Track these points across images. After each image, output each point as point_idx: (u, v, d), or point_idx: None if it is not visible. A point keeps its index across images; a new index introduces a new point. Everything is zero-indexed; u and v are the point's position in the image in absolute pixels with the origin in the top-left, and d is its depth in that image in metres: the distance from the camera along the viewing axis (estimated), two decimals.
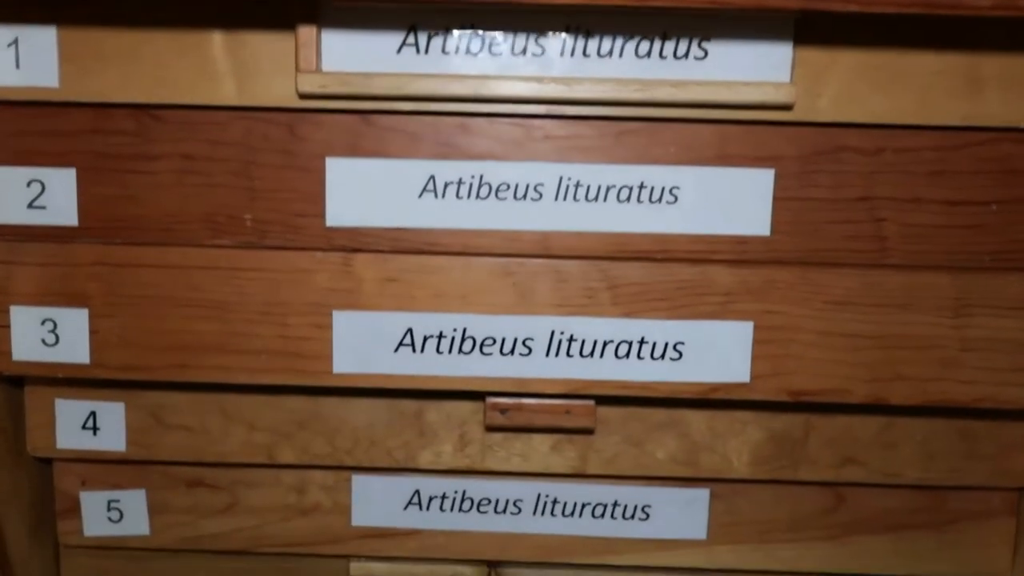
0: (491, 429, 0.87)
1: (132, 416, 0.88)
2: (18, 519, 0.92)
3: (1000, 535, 0.93)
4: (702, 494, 0.92)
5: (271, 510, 0.93)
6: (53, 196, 0.78)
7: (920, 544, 0.94)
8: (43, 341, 0.80)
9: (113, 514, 0.93)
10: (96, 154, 0.78)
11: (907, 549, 0.94)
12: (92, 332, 0.80)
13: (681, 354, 0.80)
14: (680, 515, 0.93)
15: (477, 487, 0.92)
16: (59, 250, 0.79)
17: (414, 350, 0.80)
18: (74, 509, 0.93)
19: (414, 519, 0.93)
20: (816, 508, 0.93)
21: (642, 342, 0.79)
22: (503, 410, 0.83)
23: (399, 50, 0.75)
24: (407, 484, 0.92)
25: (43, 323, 0.80)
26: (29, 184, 0.78)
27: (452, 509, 0.93)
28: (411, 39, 0.75)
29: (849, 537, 0.93)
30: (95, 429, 0.88)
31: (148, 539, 0.94)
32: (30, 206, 0.78)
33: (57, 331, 0.80)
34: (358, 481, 0.92)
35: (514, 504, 0.92)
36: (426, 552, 0.94)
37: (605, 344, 0.80)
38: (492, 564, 0.95)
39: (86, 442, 0.88)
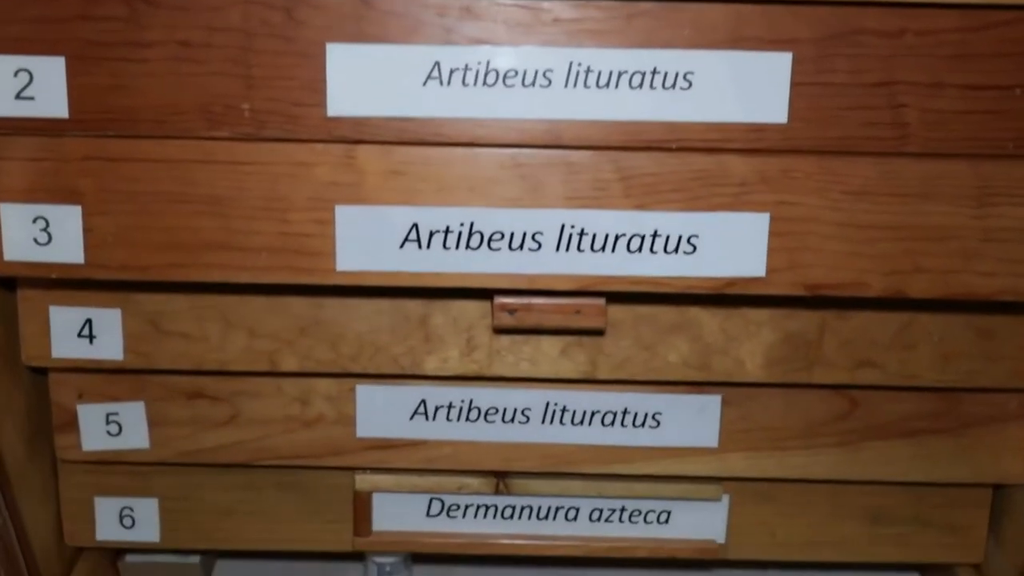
0: (499, 331, 0.85)
1: (129, 323, 0.85)
2: (14, 432, 0.89)
3: (1017, 439, 0.92)
4: (714, 401, 0.91)
5: (274, 422, 0.91)
6: (41, 86, 0.75)
7: (935, 449, 0.92)
8: (35, 240, 0.77)
9: (112, 427, 0.91)
10: (86, 42, 0.74)
11: (922, 455, 0.92)
12: (86, 230, 0.77)
13: (695, 247, 0.77)
14: (691, 422, 0.91)
15: (484, 396, 0.90)
16: (49, 144, 0.75)
17: (420, 246, 0.77)
18: (71, 423, 0.91)
19: (420, 429, 0.91)
20: (830, 414, 0.91)
21: (655, 235, 0.77)
22: (511, 310, 0.81)
23: None
24: (413, 394, 0.90)
25: (34, 221, 0.77)
26: (16, 74, 0.75)
27: (459, 419, 0.91)
28: None
29: (863, 443, 0.92)
30: (91, 337, 0.86)
31: (148, 453, 0.92)
32: (17, 97, 0.75)
33: (49, 230, 0.77)
34: (362, 391, 0.90)
35: (522, 413, 0.91)
36: (432, 463, 0.92)
37: (617, 238, 0.77)
38: (500, 475, 0.93)
39: (82, 351, 0.86)
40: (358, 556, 1.06)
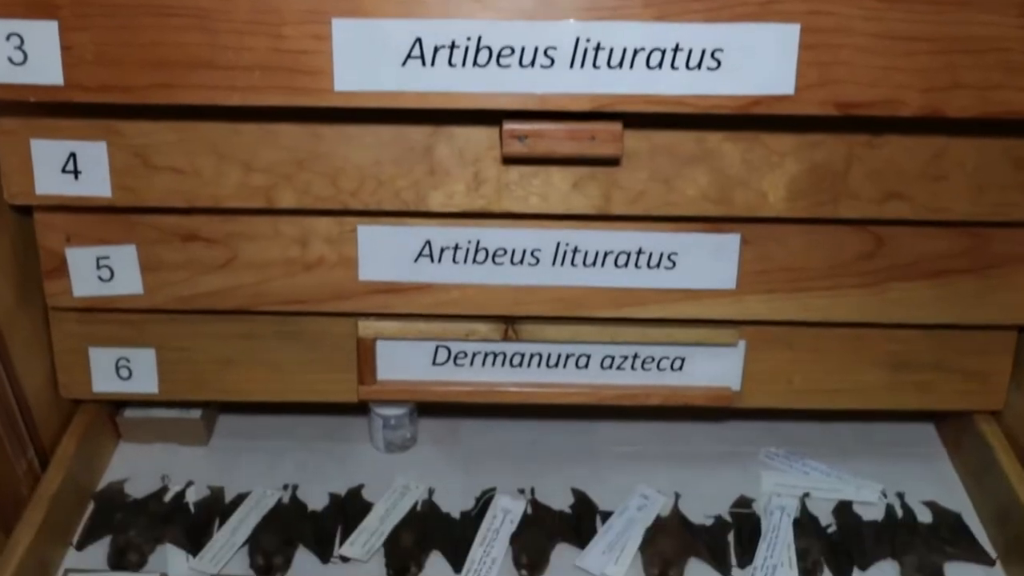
0: (508, 161, 0.80)
1: (116, 157, 0.81)
2: (1, 278, 0.85)
3: None
4: (732, 240, 0.87)
5: (272, 265, 0.87)
6: None
7: (961, 290, 0.89)
8: (10, 60, 0.72)
9: (103, 272, 0.87)
10: None
11: (948, 296, 0.89)
12: (64, 48, 0.72)
13: (719, 63, 0.72)
14: (708, 262, 0.87)
15: (492, 236, 0.86)
16: None
17: (424, 63, 0.72)
18: (61, 268, 0.87)
19: (425, 272, 0.87)
20: (854, 253, 0.87)
21: (676, 49, 0.72)
22: (522, 136, 0.76)
23: None
24: (417, 234, 0.86)
25: (8, 38, 0.71)
26: None
27: (465, 260, 0.87)
28: None
29: (887, 284, 0.88)
30: (76, 172, 0.81)
31: (142, 299, 0.88)
32: None
33: (24, 47, 0.72)
34: (364, 232, 0.86)
35: (532, 254, 0.87)
36: (438, 308, 0.89)
37: (636, 52, 0.72)
38: (508, 320, 0.90)
39: (67, 187, 0.81)
40: (362, 410, 1.04)
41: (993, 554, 0.93)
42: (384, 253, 0.86)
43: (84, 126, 0.80)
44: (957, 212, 0.83)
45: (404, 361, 0.93)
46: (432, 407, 1.07)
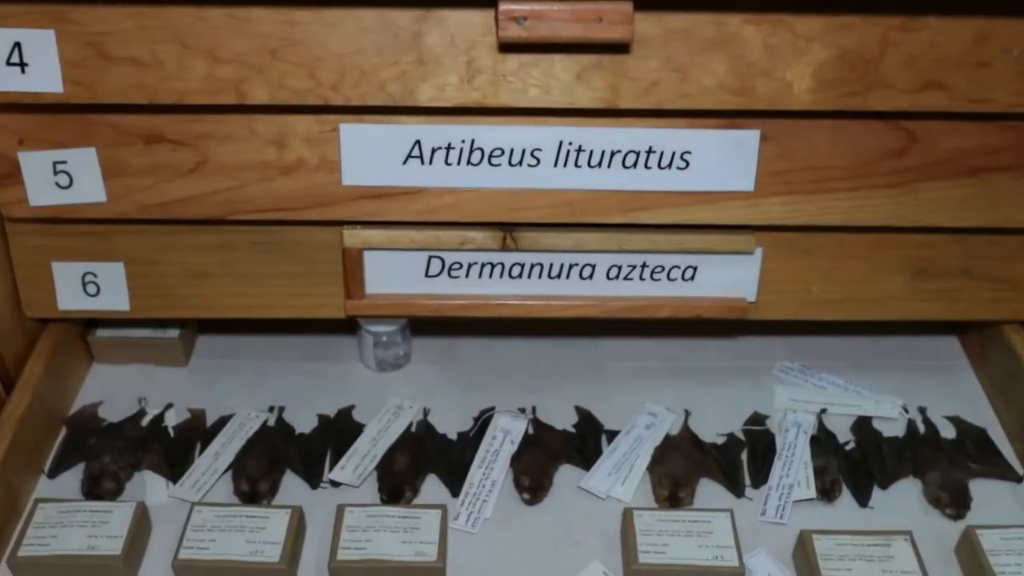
0: (505, 48, 0.72)
1: (66, 47, 0.72)
2: None
3: None
4: (751, 136, 0.79)
5: (247, 169, 0.79)
6: None
7: (997, 190, 0.81)
8: None
9: (61, 178, 0.79)
10: None
11: (981, 196, 0.82)
12: None
13: None
14: (724, 162, 0.80)
15: (488, 134, 0.78)
16: None
17: None
18: (14, 174, 0.79)
19: (415, 175, 0.80)
20: (883, 149, 0.80)
21: None
22: (520, 18, 0.68)
23: None
24: (405, 133, 0.78)
25: None
26: None
27: (459, 162, 0.79)
28: None
29: (918, 184, 0.81)
30: (23, 65, 0.72)
31: (105, 207, 0.81)
32: None
33: None
34: (347, 130, 0.78)
35: (531, 154, 0.79)
36: (430, 215, 0.82)
37: None
38: (506, 227, 0.83)
39: (14, 82, 0.73)
40: (351, 328, 0.98)
41: (1020, 470, 0.88)
42: (369, 154, 0.79)
43: (29, 12, 0.71)
44: (1000, 103, 0.75)
45: (394, 273, 0.86)
46: (426, 323, 1.01)
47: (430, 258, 0.85)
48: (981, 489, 0.86)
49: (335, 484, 0.86)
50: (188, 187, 0.80)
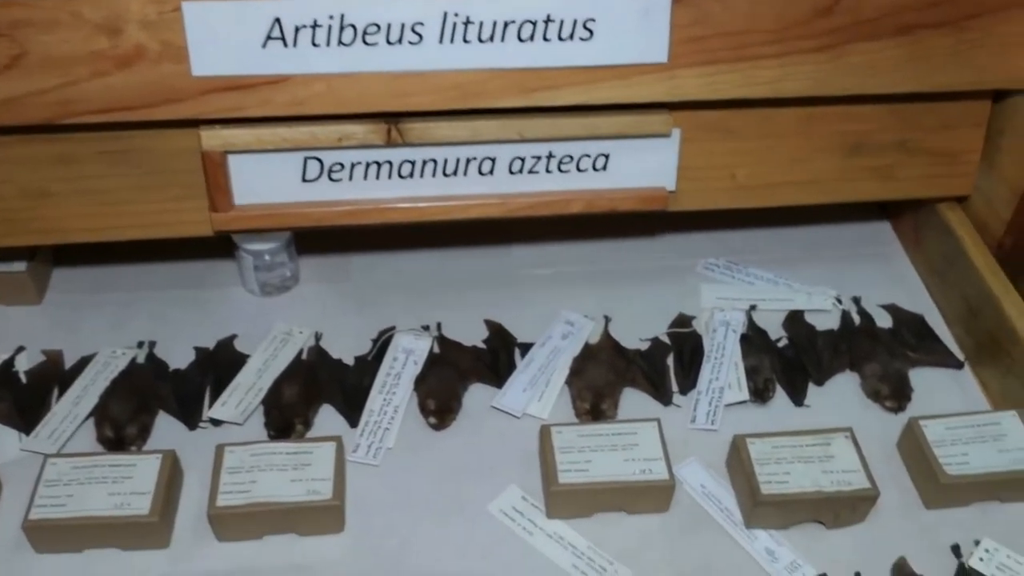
0: None
1: None
2: None
3: None
4: (661, 2, 0.69)
5: (76, 62, 0.67)
6: None
7: (932, 49, 0.73)
8: None
9: None
10: None
11: (916, 57, 0.74)
12: None
13: None
14: (634, 30, 0.70)
15: (360, 8, 0.67)
16: None
17: None
18: None
19: (278, 60, 0.68)
20: (808, 7, 0.71)
21: None
22: None
23: None
24: (261, 10, 0.66)
25: None
26: None
27: (328, 42, 0.68)
28: None
29: (847, 46, 0.73)
30: None
31: None
32: None
33: None
34: (191, 10, 0.66)
35: (412, 30, 0.68)
36: (301, 108, 0.70)
37: None
38: (391, 118, 0.72)
39: None
40: (229, 250, 0.87)
41: (961, 356, 0.83)
42: (221, 38, 0.67)
43: None
44: None
45: (266, 179, 0.75)
46: (313, 238, 0.90)
47: (306, 159, 0.74)
48: (922, 379, 0.81)
49: (216, 423, 0.76)
50: (7, 87, 0.67)
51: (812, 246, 0.94)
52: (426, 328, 0.84)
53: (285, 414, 0.75)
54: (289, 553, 0.68)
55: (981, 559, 0.67)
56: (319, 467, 0.69)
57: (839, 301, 0.87)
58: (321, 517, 0.68)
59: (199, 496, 0.70)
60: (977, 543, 0.69)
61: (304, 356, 0.82)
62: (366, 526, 0.70)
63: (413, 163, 0.75)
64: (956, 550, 0.69)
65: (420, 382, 0.79)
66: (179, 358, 0.81)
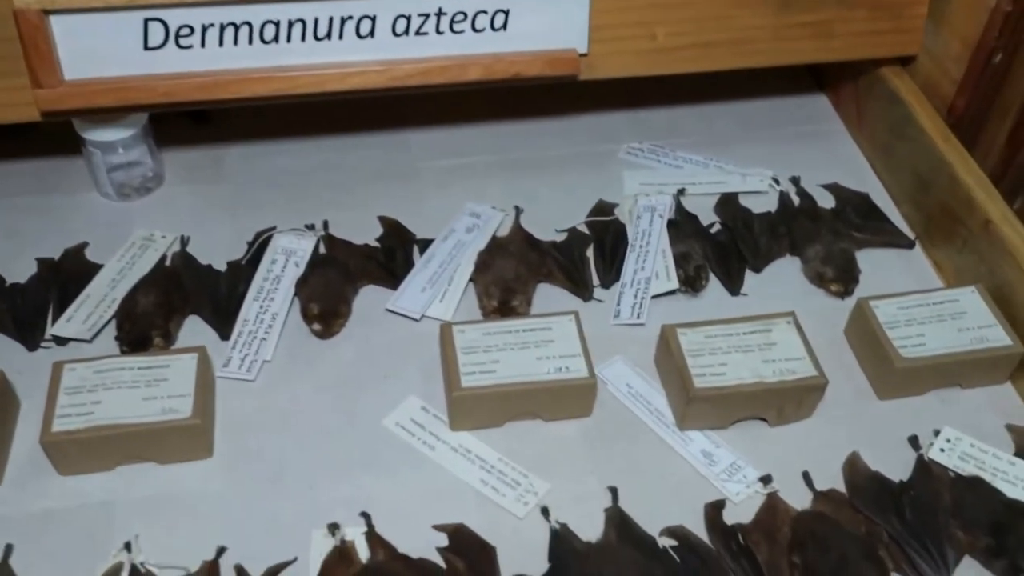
0: None
1: None
2: None
3: None
4: None
5: None
6: None
7: None
8: None
9: None
10: None
11: None
12: None
13: None
14: None
15: None
16: None
17: None
18: None
19: None
20: None
21: None
22: None
23: None
24: None
25: None
26: None
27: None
28: None
29: None
30: None
31: None
32: None
33: None
34: None
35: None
36: None
37: None
38: None
39: None
40: (78, 147, 0.74)
41: (911, 234, 0.75)
42: None
43: None
44: None
45: (101, 47, 0.62)
46: (179, 131, 0.79)
47: (147, 21, 0.62)
48: (869, 261, 0.72)
49: (61, 341, 0.65)
50: None
51: (744, 125, 0.85)
52: (311, 227, 0.73)
53: (140, 325, 0.64)
54: (146, 484, 0.58)
55: (942, 450, 0.60)
56: (177, 383, 0.58)
57: (776, 182, 0.78)
58: (182, 441, 0.58)
59: (38, 425, 0.59)
60: (937, 433, 0.61)
61: (168, 263, 0.70)
62: (239, 450, 0.60)
63: (277, 24, 0.64)
64: (914, 441, 0.61)
65: (302, 285, 0.68)
66: (18, 271, 0.69)
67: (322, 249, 0.72)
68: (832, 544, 0.54)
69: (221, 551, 0.54)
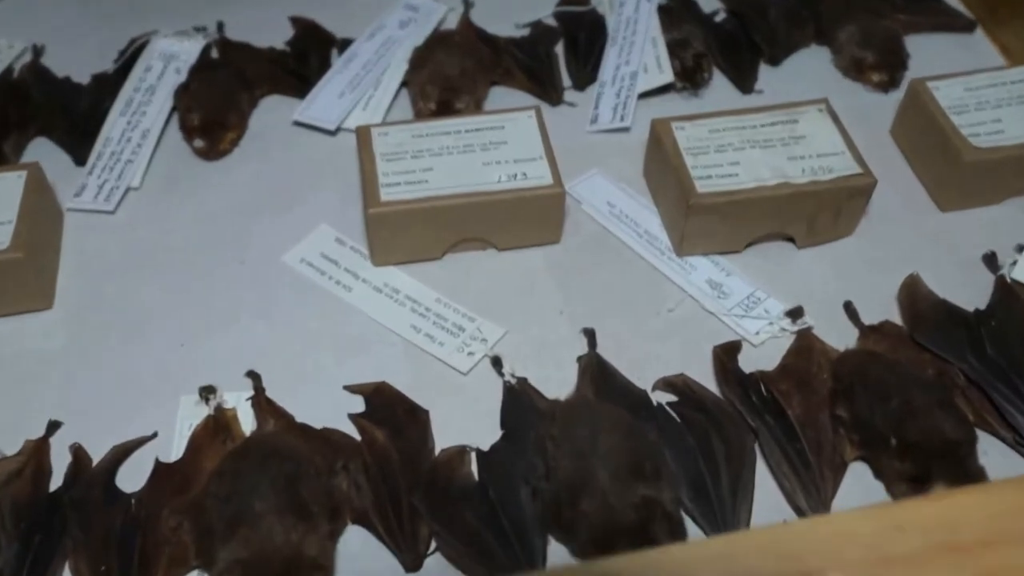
0: None
1: None
2: None
3: None
4: None
5: None
6: None
7: None
8: None
9: None
10: None
11: None
12: None
13: None
14: None
15: None
16: None
17: None
18: None
19: None
20: None
21: None
22: None
23: None
24: None
25: None
26: None
27: None
28: None
29: None
30: None
31: None
32: None
33: None
34: None
35: None
36: None
37: None
38: None
39: None
40: None
41: (970, 14, 0.59)
42: None
43: None
44: None
45: None
46: None
47: None
48: (918, 47, 0.56)
49: None
50: None
51: None
52: (201, 29, 0.57)
53: None
54: None
55: None
56: None
57: None
58: (6, 283, 0.43)
59: None
60: (1021, 249, 0.46)
61: (15, 76, 0.54)
62: (89, 298, 0.45)
63: None
64: (991, 260, 0.46)
65: (182, 93, 0.52)
66: None
67: (215, 53, 0.56)
68: (892, 390, 0.39)
69: (53, 428, 0.40)
